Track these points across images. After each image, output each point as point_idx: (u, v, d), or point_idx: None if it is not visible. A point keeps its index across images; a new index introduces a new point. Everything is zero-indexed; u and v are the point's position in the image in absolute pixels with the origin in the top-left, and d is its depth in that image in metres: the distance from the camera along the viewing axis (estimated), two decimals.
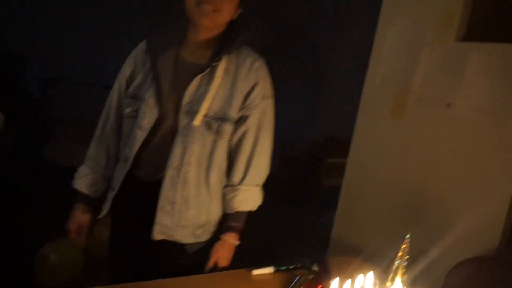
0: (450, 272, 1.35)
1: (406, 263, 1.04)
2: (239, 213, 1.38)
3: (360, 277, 0.93)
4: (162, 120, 1.37)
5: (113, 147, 1.50)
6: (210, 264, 1.36)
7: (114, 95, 1.49)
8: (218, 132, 1.34)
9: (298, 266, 1.38)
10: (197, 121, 1.31)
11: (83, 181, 1.49)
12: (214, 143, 1.35)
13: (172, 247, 1.37)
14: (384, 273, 1.08)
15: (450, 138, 1.72)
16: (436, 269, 1.52)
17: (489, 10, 1.74)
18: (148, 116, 1.36)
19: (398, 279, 1.04)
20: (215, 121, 1.33)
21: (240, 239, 1.39)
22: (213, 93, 1.32)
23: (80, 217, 1.49)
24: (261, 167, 1.40)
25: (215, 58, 1.34)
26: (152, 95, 1.35)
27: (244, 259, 1.41)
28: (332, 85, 5.68)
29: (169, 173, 1.34)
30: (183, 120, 1.33)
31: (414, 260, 1.38)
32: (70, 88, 5.83)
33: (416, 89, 1.82)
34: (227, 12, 1.33)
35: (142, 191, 1.41)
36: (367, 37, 2.19)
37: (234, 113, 1.35)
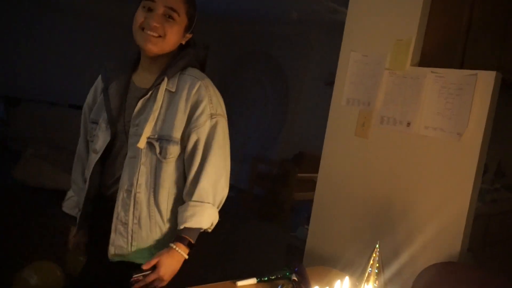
0: (417, 278, 1.48)
1: (377, 270, 1.16)
2: (188, 229, 1.34)
3: (337, 284, 1.04)
4: (114, 143, 1.41)
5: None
6: (150, 264, 1.30)
7: (82, 122, 1.56)
8: (161, 153, 1.35)
9: (278, 276, 1.46)
10: (141, 143, 1.33)
11: (68, 204, 1.56)
12: (160, 164, 1.36)
13: (130, 268, 1.34)
14: (357, 281, 1.20)
15: (411, 154, 1.87)
16: (405, 275, 1.66)
17: (441, 38, 1.92)
18: (101, 139, 1.41)
19: (370, 285, 1.16)
20: (158, 142, 1.35)
21: (189, 254, 1.35)
22: (155, 115, 1.35)
23: (74, 237, 1.54)
24: (211, 185, 1.37)
25: (157, 81, 1.37)
26: (104, 119, 1.42)
27: (227, 271, 1.47)
28: (300, 102, 5.88)
29: (121, 195, 1.35)
30: (130, 142, 1.36)
31: (384, 268, 1.51)
32: (34, 108, 5.77)
33: (379, 110, 1.98)
34: (171, 38, 1.37)
35: (101, 212, 1.44)
36: (332, 59, 2.34)
37: (178, 134, 1.36)
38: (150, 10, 1.35)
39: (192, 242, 1.35)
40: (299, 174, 4.81)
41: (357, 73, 2.08)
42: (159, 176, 1.36)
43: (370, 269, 1.16)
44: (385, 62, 1.97)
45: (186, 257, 1.34)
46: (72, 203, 1.55)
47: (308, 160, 4.79)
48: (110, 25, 6.26)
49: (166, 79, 1.37)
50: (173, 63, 1.40)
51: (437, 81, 1.82)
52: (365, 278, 1.16)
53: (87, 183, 1.43)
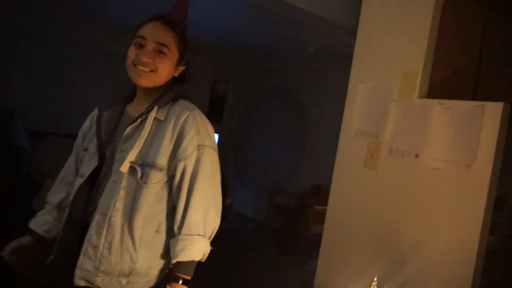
0: None
1: None
2: (180, 263, 1.33)
3: None
4: (101, 170, 1.43)
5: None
6: None
7: (74, 149, 1.60)
8: (142, 178, 1.35)
9: None
10: (124, 167, 1.34)
11: (36, 220, 1.56)
12: (139, 189, 1.35)
13: None
14: None
15: (419, 186, 1.85)
16: None
17: (448, 70, 1.92)
18: (88, 163, 1.44)
19: None
20: (141, 168, 1.35)
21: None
22: (142, 141, 1.36)
23: (23, 242, 1.51)
24: (201, 216, 1.36)
25: (147, 109, 1.41)
26: (94, 145, 1.46)
27: None
28: (318, 135, 5.90)
29: (96, 218, 1.36)
30: (115, 167, 1.38)
31: None
32: (58, 141, 5.93)
33: (387, 141, 1.97)
34: (163, 72, 1.42)
35: (77, 235, 1.42)
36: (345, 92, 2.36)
37: (163, 161, 1.37)
38: (141, 46, 1.41)
39: (187, 278, 1.34)
40: (316, 207, 4.76)
41: (366, 105, 2.08)
42: (137, 201, 1.36)
43: None
44: (393, 94, 1.98)
45: None
46: (42, 220, 1.55)
47: (326, 192, 4.75)
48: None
49: (156, 108, 1.41)
50: (165, 94, 1.44)
51: (445, 112, 1.81)
52: None
53: (69, 207, 1.44)
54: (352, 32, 2.25)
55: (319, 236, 2.21)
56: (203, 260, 1.39)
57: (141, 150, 1.38)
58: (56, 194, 1.58)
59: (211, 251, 1.40)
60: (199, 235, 1.36)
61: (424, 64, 1.90)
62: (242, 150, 7.24)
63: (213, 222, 1.40)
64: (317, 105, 5.89)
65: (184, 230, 1.35)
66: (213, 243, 1.42)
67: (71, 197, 1.46)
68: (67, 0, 5.29)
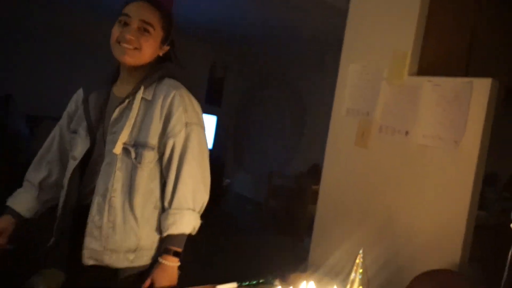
0: (410, 283, 1.48)
1: (360, 276, 1.17)
2: (171, 236, 1.39)
3: (302, 286, 1.05)
4: (93, 152, 1.47)
5: (55, 176, 1.57)
6: (145, 284, 1.38)
7: (57, 129, 1.61)
8: (136, 159, 1.39)
9: (260, 282, 1.46)
10: (117, 148, 1.38)
11: (16, 198, 1.54)
12: (135, 170, 1.40)
13: (105, 272, 1.41)
14: (342, 286, 1.21)
15: (409, 163, 1.87)
16: (402, 281, 1.65)
17: (438, 47, 1.93)
18: (80, 146, 1.47)
19: None
20: (134, 148, 1.40)
21: (181, 260, 1.41)
22: (132, 122, 1.40)
23: (4, 221, 1.50)
24: (190, 191, 1.41)
25: (134, 90, 1.44)
26: (83, 127, 1.48)
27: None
28: (315, 117, 5.93)
29: (96, 200, 1.40)
30: (107, 149, 1.41)
31: (377, 274, 1.51)
32: (54, 125, 5.94)
33: (378, 119, 1.99)
34: (147, 50, 1.43)
35: (77, 217, 1.47)
36: None
37: (154, 141, 1.41)
38: (126, 24, 1.42)
39: (179, 250, 1.39)
40: (313, 186, 4.81)
41: (357, 84, 2.10)
42: (134, 181, 1.40)
43: (354, 274, 1.17)
44: (383, 72, 1.99)
45: (177, 265, 1.39)
46: (23, 199, 1.55)
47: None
48: None
49: (142, 88, 1.43)
50: (150, 74, 1.46)
51: (434, 90, 1.83)
52: (350, 283, 1.17)
53: (65, 189, 1.47)
54: (343, 13, 2.25)
55: None
56: (193, 234, 1.44)
57: (131, 131, 1.41)
58: (36, 173, 1.58)
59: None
60: (189, 209, 1.41)
61: (414, 42, 1.91)
62: (241, 132, 7.27)
63: (202, 197, 1.45)
64: (314, 88, 5.91)
65: (174, 204, 1.40)
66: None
67: (65, 181, 1.48)
68: None
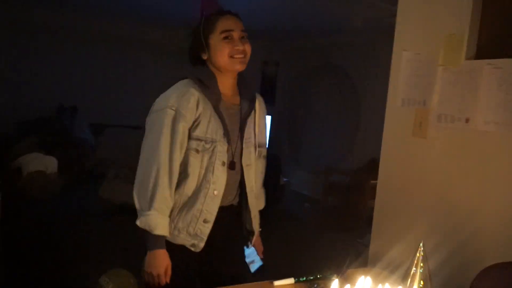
0: (477, 276, 1.40)
1: (421, 270, 1.13)
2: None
3: (360, 281, 1.02)
4: (233, 155, 1.64)
5: (173, 188, 1.54)
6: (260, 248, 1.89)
7: (175, 135, 1.51)
8: (261, 157, 1.75)
9: (318, 277, 1.45)
10: (255, 152, 1.70)
11: (160, 225, 1.49)
12: (262, 165, 1.79)
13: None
14: (402, 281, 1.17)
15: (471, 151, 1.78)
16: (465, 273, 1.58)
17: (496, 28, 1.82)
18: (224, 153, 1.59)
19: (415, 286, 1.13)
20: (260, 149, 1.73)
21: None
22: (258, 128, 1.71)
23: (165, 260, 1.51)
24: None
25: (251, 98, 1.71)
26: (220, 134, 1.57)
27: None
28: (370, 109, 5.78)
29: (250, 196, 1.70)
30: (246, 152, 1.66)
31: (439, 268, 1.44)
32: (117, 132, 6.22)
33: (435, 108, 1.91)
34: (249, 54, 1.63)
35: (226, 217, 1.65)
36: None
37: (266, 139, 1.77)
38: (228, 38, 1.57)
39: None
40: (372, 181, 4.70)
41: (411, 72, 2.02)
42: (261, 172, 1.82)
43: (414, 268, 1.13)
44: (438, 58, 1.90)
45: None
46: (165, 223, 1.51)
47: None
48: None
49: (257, 96, 1.74)
50: (243, 80, 1.73)
51: (494, 73, 1.73)
52: (410, 277, 1.13)
53: (220, 194, 1.60)
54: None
55: None
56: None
57: (257, 135, 1.72)
58: (169, 203, 1.53)
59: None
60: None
61: (470, 24, 1.81)
62: (296, 130, 7.23)
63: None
64: (368, 78, 5.75)
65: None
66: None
67: (220, 185, 1.58)
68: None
